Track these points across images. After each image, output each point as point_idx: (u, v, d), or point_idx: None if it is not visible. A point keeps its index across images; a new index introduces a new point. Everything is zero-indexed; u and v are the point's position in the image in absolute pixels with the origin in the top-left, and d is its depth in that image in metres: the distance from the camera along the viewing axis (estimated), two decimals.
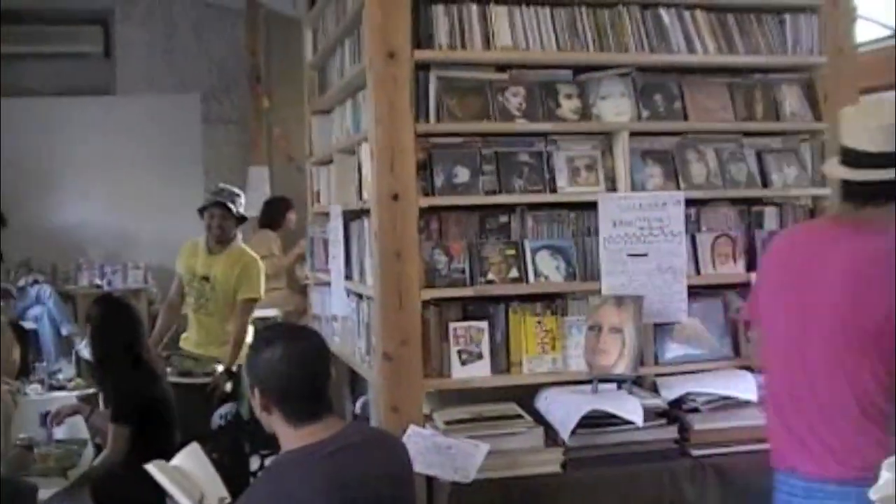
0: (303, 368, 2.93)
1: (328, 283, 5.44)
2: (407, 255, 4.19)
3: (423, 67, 4.34)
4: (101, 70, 11.04)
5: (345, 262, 4.98)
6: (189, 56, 11.05)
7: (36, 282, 9.41)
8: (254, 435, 6.05)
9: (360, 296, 4.78)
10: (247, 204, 10.25)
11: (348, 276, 4.98)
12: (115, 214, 10.50)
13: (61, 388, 6.82)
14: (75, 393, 6.53)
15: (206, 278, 6.52)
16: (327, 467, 2.83)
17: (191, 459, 3.47)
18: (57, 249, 10.28)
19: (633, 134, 4.55)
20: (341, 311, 5.09)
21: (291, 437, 2.93)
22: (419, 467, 3.76)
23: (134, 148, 10.40)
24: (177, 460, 3.46)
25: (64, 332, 8.96)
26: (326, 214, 5.57)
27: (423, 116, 4.33)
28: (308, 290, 8.26)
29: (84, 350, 6.46)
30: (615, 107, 4.57)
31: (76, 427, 5.24)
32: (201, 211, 6.62)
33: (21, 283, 9.35)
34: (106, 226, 10.53)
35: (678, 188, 4.57)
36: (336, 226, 5.06)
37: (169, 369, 6.08)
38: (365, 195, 4.57)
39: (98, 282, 10.13)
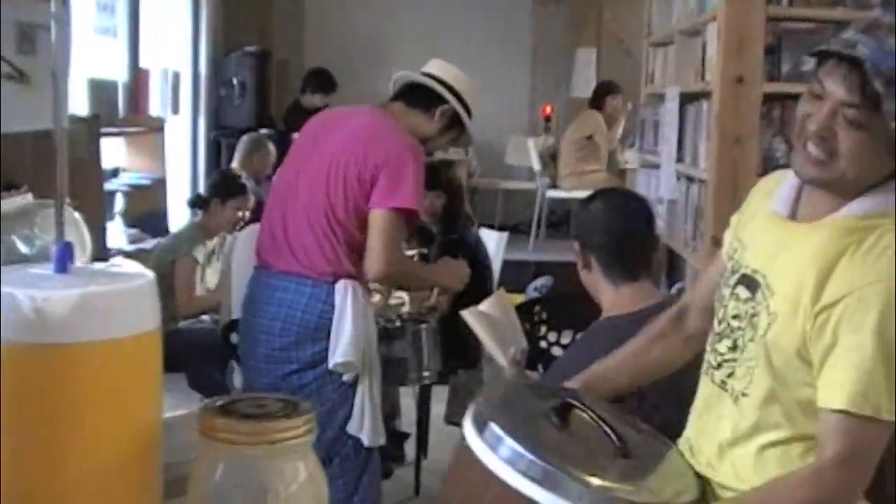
0: (624, 222, 2.95)
1: (655, 166, 5.40)
2: (746, 141, 4.11)
3: None
4: None
5: (677, 144, 4.92)
6: None
7: None
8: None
9: (690, 179, 4.72)
10: (573, 85, 10.33)
11: (679, 159, 4.92)
12: None
13: None
14: (409, 252, 6.75)
15: None
16: None
17: (497, 307, 3.46)
18: None
19: None
20: (669, 194, 5.05)
21: (611, 299, 2.94)
22: None
23: (464, 24, 10.52)
24: (484, 306, 3.47)
25: None
26: (659, 96, 5.50)
27: None
28: (626, 174, 8.27)
29: None
30: None
31: None
32: None
33: None
34: None
35: None
36: (671, 108, 5.00)
37: None
38: (707, 77, 4.49)
39: None
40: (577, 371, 2.81)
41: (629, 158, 8.69)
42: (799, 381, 1.91)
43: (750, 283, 2.00)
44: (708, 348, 2.12)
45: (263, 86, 9.15)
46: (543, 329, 4.58)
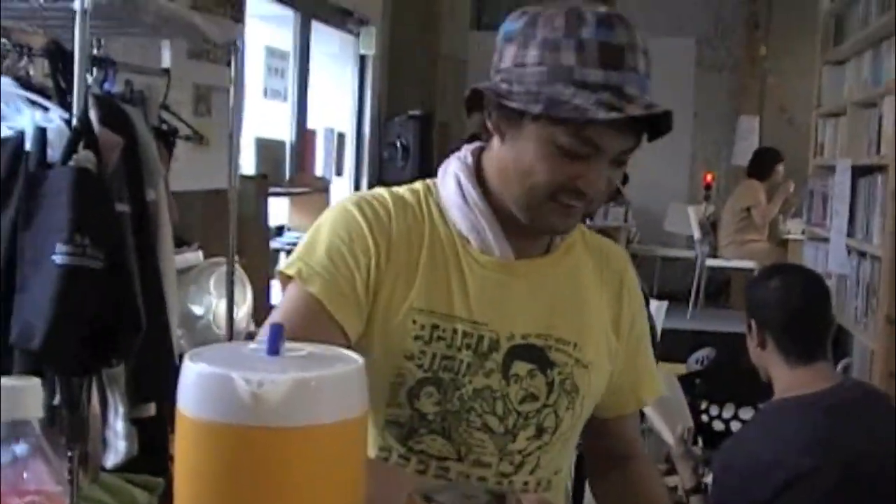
0: (804, 302, 2.82)
1: (823, 239, 5.28)
2: None
3: None
4: None
5: (848, 218, 4.81)
6: (687, 0, 11.00)
7: None
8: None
9: (862, 254, 4.61)
10: (735, 153, 10.21)
11: (850, 234, 4.81)
12: None
13: None
14: None
15: None
16: (823, 421, 2.68)
17: (666, 383, 3.40)
18: None
19: None
20: (839, 269, 4.93)
21: (786, 380, 2.80)
22: None
23: None
24: None
25: None
26: (829, 168, 5.40)
27: None
28: (788, 244, 8.12)
29: None
30: None
31: None
32: None
33: None
34: None
35: None
36: (842, 180, 4.89)
37: None
38: (882, 150, 4.39)
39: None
40: (751, 451, 2.74)
41: (791, 228, 8.52)
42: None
43: (529, 353, 1.72)
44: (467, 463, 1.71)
45: (426, 148, 9.25)
46: (704, 403, 4.48)
